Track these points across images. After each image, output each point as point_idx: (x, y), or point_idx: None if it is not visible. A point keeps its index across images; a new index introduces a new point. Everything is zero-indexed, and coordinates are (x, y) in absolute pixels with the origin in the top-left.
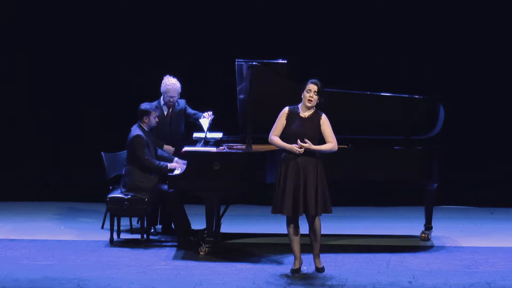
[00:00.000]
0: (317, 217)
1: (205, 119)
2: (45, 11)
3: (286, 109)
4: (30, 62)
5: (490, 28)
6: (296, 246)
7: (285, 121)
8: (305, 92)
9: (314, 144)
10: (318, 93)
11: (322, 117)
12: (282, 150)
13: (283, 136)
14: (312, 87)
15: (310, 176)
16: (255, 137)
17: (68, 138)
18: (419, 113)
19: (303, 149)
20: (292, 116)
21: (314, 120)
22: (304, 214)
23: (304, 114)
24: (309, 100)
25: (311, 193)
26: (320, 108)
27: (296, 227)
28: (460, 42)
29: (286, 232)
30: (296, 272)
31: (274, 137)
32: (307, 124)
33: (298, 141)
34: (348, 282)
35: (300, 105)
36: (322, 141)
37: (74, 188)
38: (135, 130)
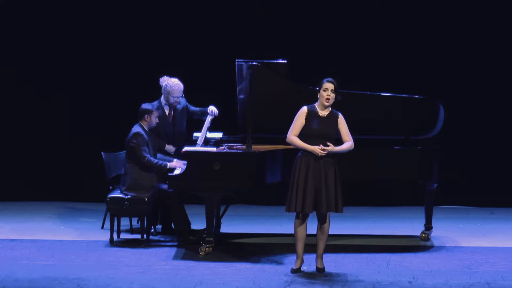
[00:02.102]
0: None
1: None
2: (45, 11)
3: (305, 108)
4: (30, 62)
5: (489, 29)
6: (300, 246)
7: (304, 121)
8: (321, 91)
9: (332, 143)
10: (335, 91)
11: (340, 116)
12: (300, 149)
13: (300, 136)
14: (329, 85)
15: (329, 175)
16: (255, 137)
17: (68, 138)
18: (419, 113)
19: (325, 152)
20: (312, 116)
21: (332, 119)
22: (313, 213)
23: (323, 113)
24: (326, 99)
25: (331, 191)
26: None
27: (305, 227)
28: (460, 43)
29: (285, 232)
30: (296, 272)
31: (294, 137)
32: (326, 124)
33: (321, 145)
34: (348, 282)
35: (316, 104)
36: (337, 140)
37: (74, 188)
38: (136, 129)
